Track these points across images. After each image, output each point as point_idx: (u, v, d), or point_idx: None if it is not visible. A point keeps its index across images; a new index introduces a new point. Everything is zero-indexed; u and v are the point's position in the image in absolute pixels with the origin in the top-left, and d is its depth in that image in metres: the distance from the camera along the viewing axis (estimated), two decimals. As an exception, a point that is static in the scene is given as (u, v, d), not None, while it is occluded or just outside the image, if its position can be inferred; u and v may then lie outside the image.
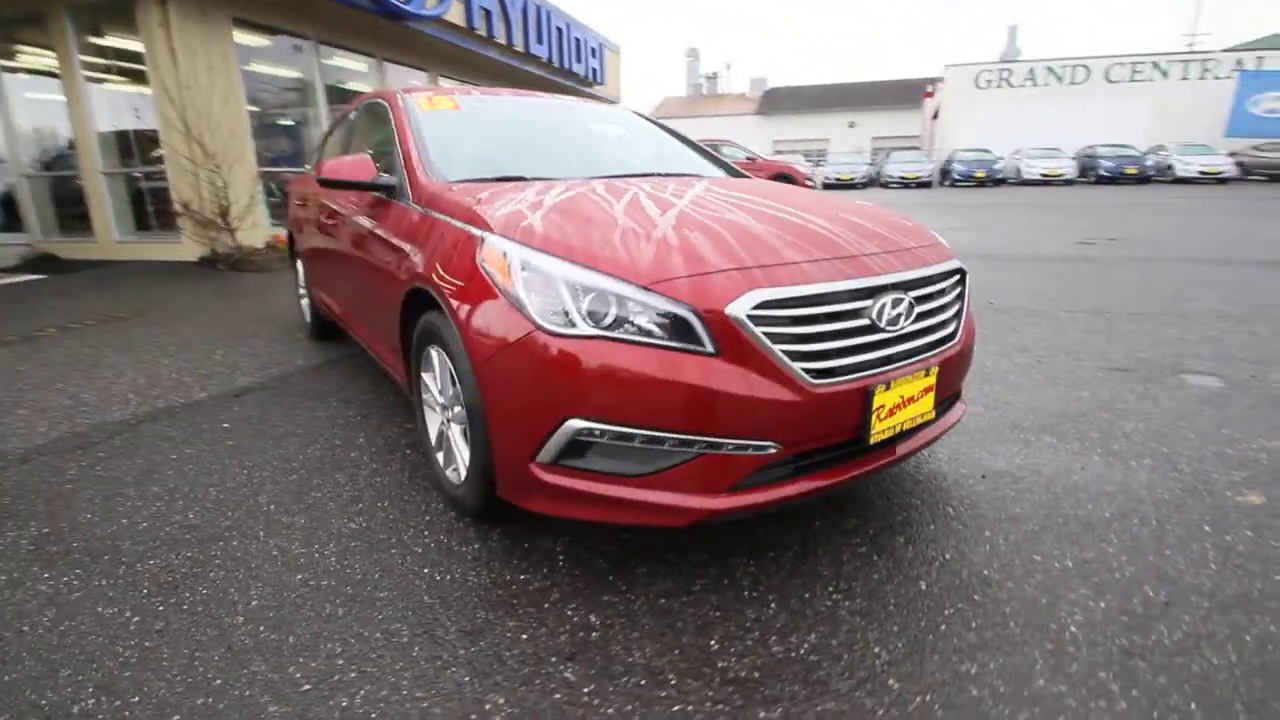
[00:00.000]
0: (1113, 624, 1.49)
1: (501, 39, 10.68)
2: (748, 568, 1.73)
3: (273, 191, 7.89)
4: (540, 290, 1.53)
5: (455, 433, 1.95)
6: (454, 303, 1.69)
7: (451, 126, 2.55)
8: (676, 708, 1.28)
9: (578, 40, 13.68)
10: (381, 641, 1.48)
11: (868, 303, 1.61)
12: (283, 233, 7.82)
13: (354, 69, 9.28)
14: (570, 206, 1.82)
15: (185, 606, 1.62)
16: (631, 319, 1.47)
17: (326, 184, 2.38)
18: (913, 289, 1.71)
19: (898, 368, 1.64)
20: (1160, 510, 1.97)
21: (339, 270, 3.02)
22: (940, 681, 1.33)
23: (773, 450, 1.50)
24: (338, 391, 3.22)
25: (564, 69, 13.28)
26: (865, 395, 1.57)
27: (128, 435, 2.75)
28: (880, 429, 1.63)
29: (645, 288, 1.46)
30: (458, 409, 1.90)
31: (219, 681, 1.37)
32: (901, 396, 1.66)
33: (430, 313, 1.92)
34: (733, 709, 1.27)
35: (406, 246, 2.06)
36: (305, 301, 4.24)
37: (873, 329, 1.61)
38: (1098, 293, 5.15)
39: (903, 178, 23.81)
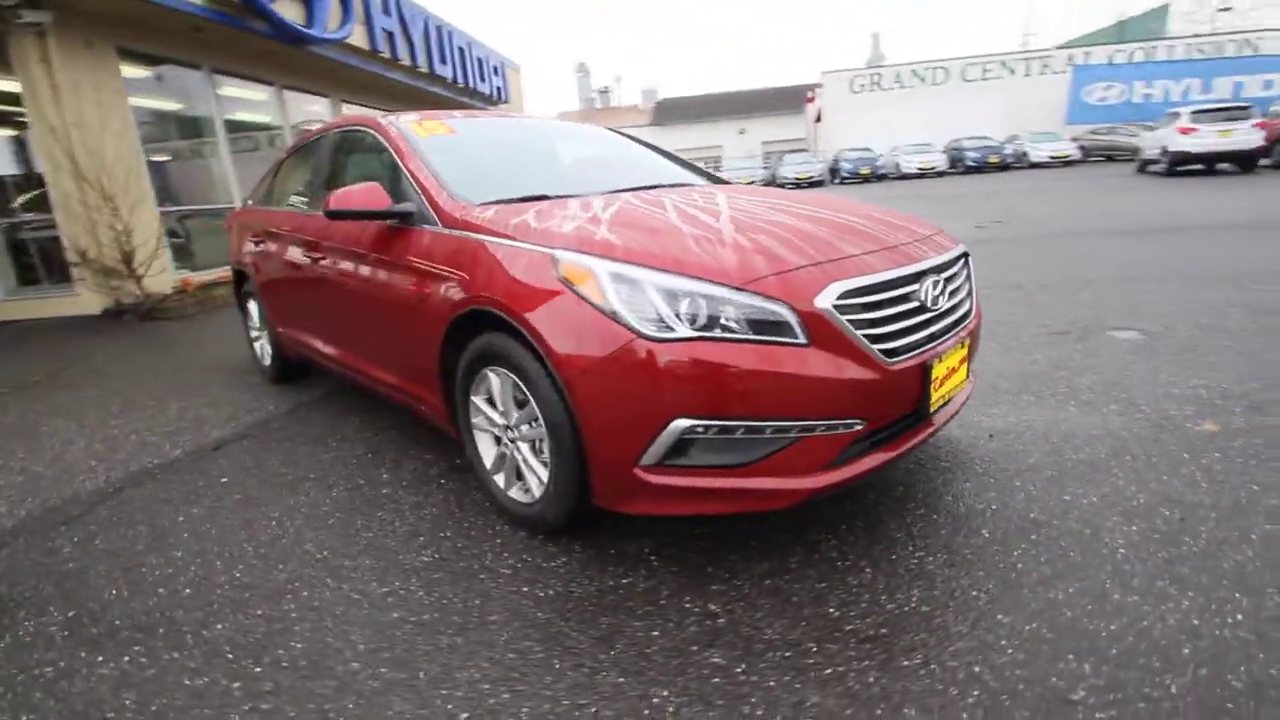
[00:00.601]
0: (1149, 542, 1.74)
1: (406, 60, 10.44)
2: (829, 541, 1.86)
3: (176, 232, 7.31)
4: (633, 299, 1.59)
5: (524, 451, 1.96)
6: (532, 321, 1.71)
7: (453, 150, 2.54)
8: (829, 670, 1.38)
9: (480, 60, 13.57)
10: (518, 660, 1.49)
11: (915, 286, 1.79)
12: (191, 275, 7.29)
13: (251, 99, 8.76)
14: (627, 219, 1.90)
15: (285, 664, 1.54)
16: (725, 318, 1.56)
17: (336, 215, 2.31)
18: (943, 271, 1.91)
19: (942, 342, 1.83)
20: (1143, 446, 2.29)
21: (327, 305, 2.90)
22: (1038, 610, 1.51)
23: (859, 427, 1.64)
24: (331, 432, 3.08)
25: (469, 88, 13.13)
26: (925, 370, 1.74)
27: (113, 504, 2.51)
28: (935, 399, 1.82)
29: (739, 288, 1.57)
30: (526, 428, 1.92)
31: (368, 729, 1.33)
32: (948, 368, 1.85)
33: (488, 335, 1.93)
34: (878, 663, 1.39)
35: (447, 271, 2.04)
36: (261, 344, 4.00)
37: (922, 309, 1.79)
38: (1005, 269, 5.73)
39: (797, 178, 25.15)
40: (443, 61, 11.66)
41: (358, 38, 9.05)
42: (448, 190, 2.22)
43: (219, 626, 1.71)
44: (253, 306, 3.99)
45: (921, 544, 1.81)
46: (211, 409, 3.58)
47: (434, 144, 2.52)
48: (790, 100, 39.64)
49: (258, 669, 1.53)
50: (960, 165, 24.92)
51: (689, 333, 1.55)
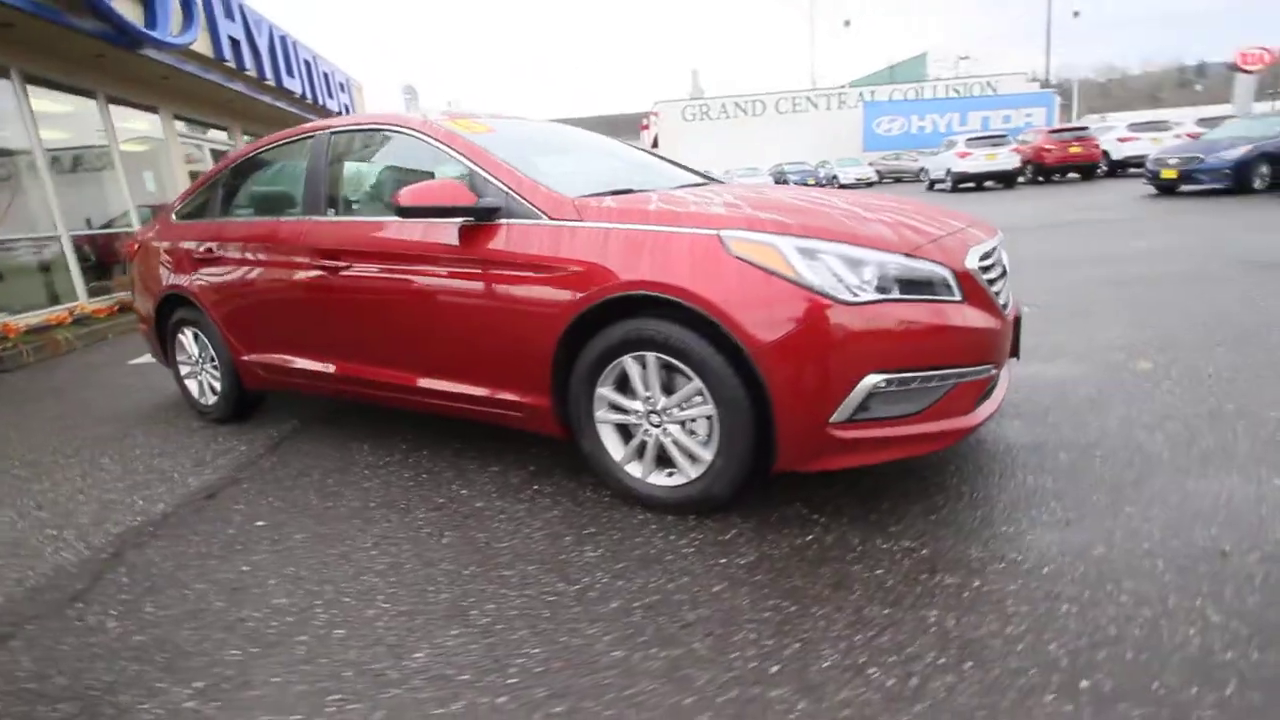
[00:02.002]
0: (1179, 445, 2.21)
1: (252, 71, 9.45)
2: (952, 481, 2.11)
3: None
4: (819, 270, 1.73)
5: (674, 434, 1.98)
6: (712, 299, 1.77)
7: (509, 146, 2.47)
8: (1045, 569, 1.62)
9: (326, 74, 12.65)
10: (778, 617, 1.54)
11: (996, 255, 2.12)
12: (11, 319, 6.00)
13: (69, 112, 7.39)
14: (762, 204, 2.02)
15: (538, 668, 1.45)
16: (900, 282, 1.76)
17: (411, 213, 2.18)
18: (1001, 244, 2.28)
19: (1013, 300, 2.19)
20: (1112, 384, 2.85)
21: (353, 319, 2.64)
22: (1148, 500, 1.88)
23: (992, 371, 1.91)
24: (347, 462, 2.78)
25: (317, 104, 12.16)
26: (1018, 320, 2.08)
27: (123, 570, 2.08)
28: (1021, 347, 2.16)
29: (909, 254, 1.77)
30: (678, 410, 1.95)
31: (705, 715, 1.31)
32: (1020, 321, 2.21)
33: (630, 322, 1.94)
34: (1074, 555, 1.65)
35: (567, 262, 2.01)
36: (201, 380, 3.46)
37: (1005, 274, 2.13)
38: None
39: (645, 200, 26.28)
40: (290, 74, 10.71)
41: (200, 44, 8.05)
42: (543, 184, 2.18)
43: (418, 655, 1.54)
44: (187, 338, 3.44)
45: (1025, 471, 2.13)
46: (164, 459, 3.04)
47: (490, 140, 2.45)
48: (625, 126, 41.39)
49: (509, 680, 1.42)
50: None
51: (874, 296, 1.73)
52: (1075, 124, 21.12)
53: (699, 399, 1.91)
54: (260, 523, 2.31)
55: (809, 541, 1.85)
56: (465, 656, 1.52)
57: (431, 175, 2.49)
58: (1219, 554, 1.62)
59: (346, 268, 2.58)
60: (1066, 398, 2.73)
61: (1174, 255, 5.65)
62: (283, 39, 10.51)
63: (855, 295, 1.72)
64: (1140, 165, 15.54)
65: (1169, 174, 10.77)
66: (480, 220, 2.22)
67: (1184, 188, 10.73)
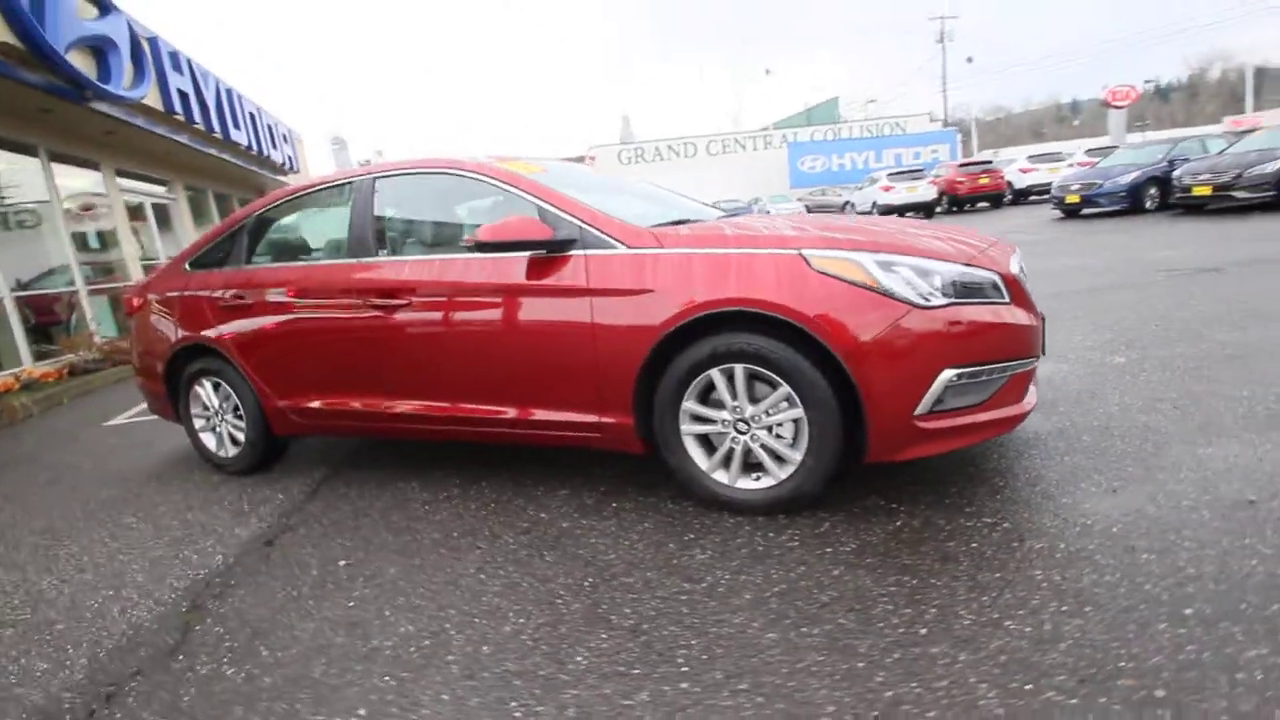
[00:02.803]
0: (1176, 422, 2.54)
1: (199, 124, 9.23)
2: (1003, 465, 2.36)
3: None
4: (898, 280, 1.96)
5: (763, 439, 2.14)
6: (804, 310, 1.96)
7: (566, 184, 2.63)
8: (1115, 528, 1.85)
9: (270, 126, 12.44)
10: (901, 591, 1.70)
11: (1020, 264, 2.43)
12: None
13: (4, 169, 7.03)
14: (828, 226, 2.26)
15: (702, 658, 1.55)
16: (962, 287, 2.01)
17: (489, 248, 2.30)
18: (1015, 257, 2.60)
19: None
20: (1098, 378, 3.22)
21: (412, 358, 2.68)
22: (1171, 467, 2.17)
23: (1034, 364, 2.18)
24: (403, 498, 2.78)
25: (262, 156, 11.92)
26: (1044, 319, 2.37)
27: (210, 623, 2.03)
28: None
29: (967, 264, 2.03)
30: (766, 415, 2.12)
31: (879, 675, 1.45)
32: (1039, 323, 2.51)
33: (718, 337, 2.10)
34: (1130, 519, 1.90)
35: (651, 287, 2.17)
36: (222, 430, 3.36)
37: (1027, 278, 2.44)
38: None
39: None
40: (236, 126, 10.50)
41: (150, 97, 7.85)
42: (616, 216, 2.34)
43: (579, 659, 1.61)
44: (205, 390, 3.35)
45: (1059, 453, 2.40)
46: (197, 512, 2.94)
47: (549, 179, 2.60)
48: (558, 172, 42.12)
49: (682, 669, 1.52)
50: (721, 223, 28.83)
51: (943, 301, 1.97)
52: (980, 158, 23.11)
53: (785, 404, 2.08)
54: (343, 562, 2.30)
55: (899, 527, 2.03)
56: (627, 654, 1.60)
57: (512, 209, 2.56)
58: (1247, 503, 1.90)
59: (406, 306, 2.63)
60: (1065, 391, 3.06)
61: (1101, 269, 6.33)
62: (228, 92, 10.34)
63: (928, 300, 1.96)
64: (1040, 193, 17.25)
65: (1073, 199, 11.97)
66: (553, 252, 2.35)
67: (1086, 210, 11.93)
